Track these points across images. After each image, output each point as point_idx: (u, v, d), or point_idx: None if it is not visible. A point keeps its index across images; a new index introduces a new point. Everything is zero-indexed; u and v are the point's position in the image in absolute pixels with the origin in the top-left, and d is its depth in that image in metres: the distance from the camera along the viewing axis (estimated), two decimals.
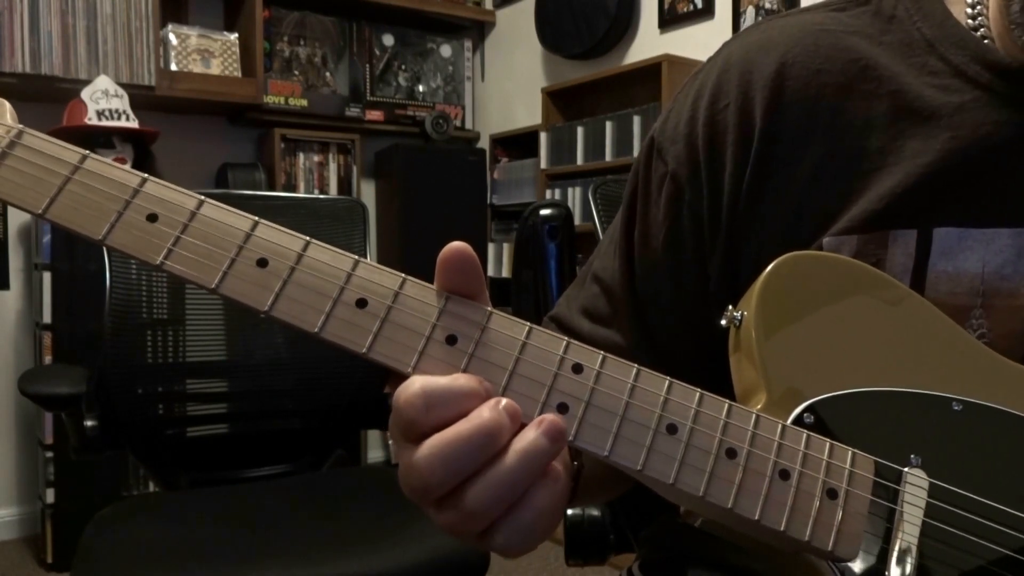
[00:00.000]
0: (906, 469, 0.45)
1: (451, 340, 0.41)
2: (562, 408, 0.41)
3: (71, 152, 0.42)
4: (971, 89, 0.55)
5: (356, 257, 0.42)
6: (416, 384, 0.40)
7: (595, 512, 1.02)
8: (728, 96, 0.60)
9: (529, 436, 0.39)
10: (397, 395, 0.40)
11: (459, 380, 0.40)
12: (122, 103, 2.55)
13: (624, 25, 2.97)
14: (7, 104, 0.43)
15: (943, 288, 0.54)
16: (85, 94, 2.50)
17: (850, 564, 0.42)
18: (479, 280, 0.43)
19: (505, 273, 3.36)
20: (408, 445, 0.40)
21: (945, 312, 0.51)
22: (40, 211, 0.40)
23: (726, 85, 0.61)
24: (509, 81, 3.54)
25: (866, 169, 0.56)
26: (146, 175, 0.42)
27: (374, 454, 3.44)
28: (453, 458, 0.38)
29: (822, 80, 0.58)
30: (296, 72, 3.21)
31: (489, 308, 0.42)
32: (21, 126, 0.42)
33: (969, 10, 0.58)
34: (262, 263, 0.41)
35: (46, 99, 2.62)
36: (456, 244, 0.42)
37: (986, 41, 0.57)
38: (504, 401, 0.39)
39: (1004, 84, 0.55)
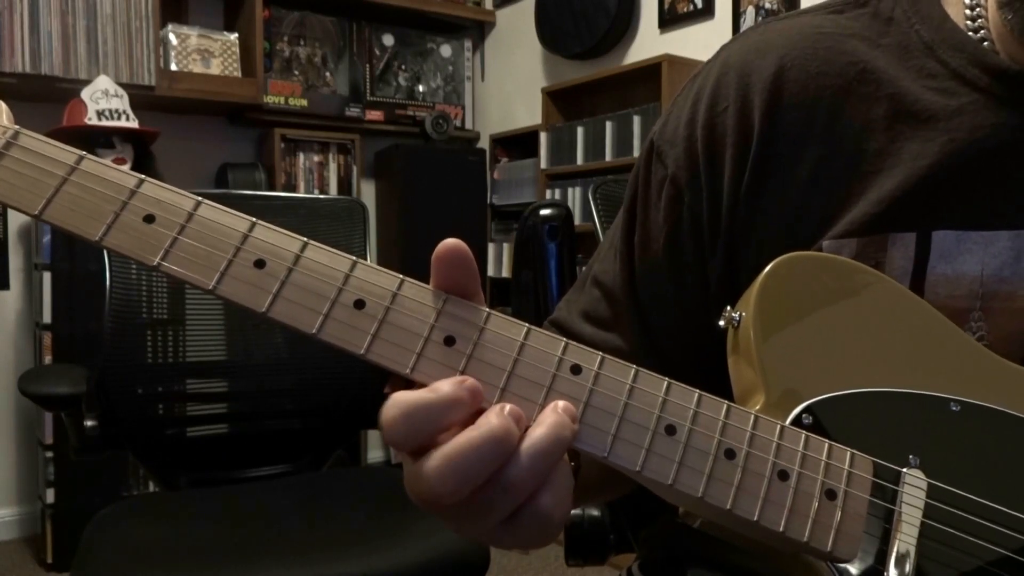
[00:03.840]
0: (905, 470, 0.45)
1: (449, 341, 0.41)
2: None
3: (67, 153, 0.41)
4: (969, 92, 0.55)
5: (354, 258, 0.42)
6: (395, 407, 0.39)
7: (595, 512, 1.01)
8: (727, 99, 0.60)
9: (551, 419, 0.39)
10: (380, 415, 0.39)
11: (440, 391, 0.39)
12: (122, 103, 2.55)
13: (624, 25, 2.97)
14: (3, 104, 0.43)
15: (942, 291, 0.54)
16: (85, 94, 2.50)
17: (848, 565, 0.42)
18: (474, 277, 0.42)
19: (505, 273, 3.36)
20: (407, 455, 0.40)
21: (944, 315, 0.51)
22: (36, 212, 0.40)
23: (725, 88, 0.61)
24: (509, 81, 3.54)
25: (864, 172, 0.56)
26: (143, 176, 0.42)
27: (374, 454, 3.44)
28: (465, 468, 0.38)
29: (820, 83, 0.58)
30: (296, 72, 3.21)
31: (487, 309, 0.42)
32: (17, 127, 0.42)
33: (968, 11, 0.58)
34: (259, 264, 0.41)
35: (46, 99, 2.62)
36: (450, 240, 0.41)
37: (985, 43, 0.57)
38: (508, 406, 0.39)
39: (1002, 87, 0.55)
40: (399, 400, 0.39)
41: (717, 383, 0.48)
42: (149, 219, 0.41)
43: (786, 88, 0.58)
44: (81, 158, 0.41)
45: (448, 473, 0.38)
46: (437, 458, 0.38)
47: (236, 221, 0.42)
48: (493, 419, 0.38)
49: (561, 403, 0.40)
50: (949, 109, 0.55)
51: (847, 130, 0.57)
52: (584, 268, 0.71)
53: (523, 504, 0.39)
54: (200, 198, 0.42)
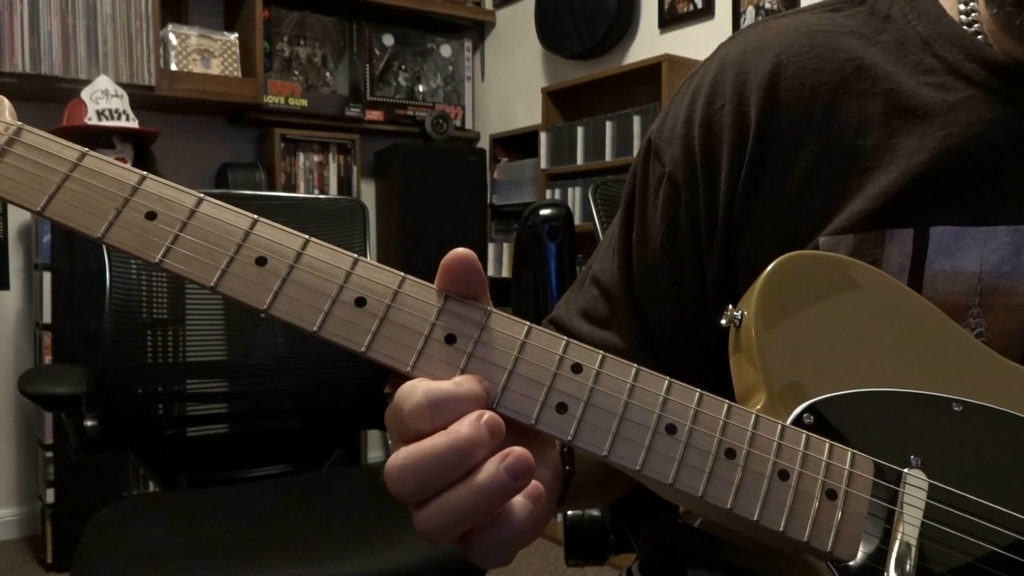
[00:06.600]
0: (906, 470, 0.45)
1: (450, 339, 0.41)
2: (561, 408, 0.41)
3: (70, 149, 0.42)
4: (966, 87, 0.55)
5: (355, 256, 0.42)
6: (419, 391, 0.39)
7: (595, 512, 1.01)
8: (724, 97, 0.60)
9: (490, 470, 0.38)
10: (400, 402, 0.39)
11: (463, 385, 0.39)
12: (122, 103, 2.55)
13: (624, 25, 2.97)
14: (6, 101, 0.43)
15: (941, 287, 0.54)
16: (85, 94, 2.50)
17: (849, 565, 0.42)
18: (483, 284, 0.42)
19: (505, 273, 3.36)
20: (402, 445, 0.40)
21: (942, 311, 0.51)
22: (39, 208, 0.40)
23: (721, 86, 0.61)
24: (509, 81, 3.54)
25: (861, 168, 0.56)
26: (145, 173, 0.42)
27: (374, 454, 3.44)
28: (424, 473, 0.38)
29: (817, 80, 0.58)
30: (296, 72, 3.21)
31: (488, 307, 0.42)
32: (20, 123, 0.42)
33: (961, 5, 0.58)
34: (261, 261, 0.41)
35: (46, 99, 2.62)
36: (459, 251, 0.41)
37: (979, 37, 0.57)
38: (486, 415, 0.39)
39: (999, 81, 0.55)
40: (421, 385, 0.39)
41: (714, 381, 0.48)
42: (151, 216, 0.41)
43: (782, 85, 0.58)
44: (84, 155, 0.41)
45: (409, 475, 0.38)
46: (401, 457, 0.39)
47: (238, 218, 0.42)
48: (463, 428, 0.38)
49: (509, 458, 0.39)
50: (946, 104, 0.55)
51: (843, 127, 0.57)
52: (584, 267, 0.71)
53: (488, 522, 0.39)
54: (202, 195, 0.42)
